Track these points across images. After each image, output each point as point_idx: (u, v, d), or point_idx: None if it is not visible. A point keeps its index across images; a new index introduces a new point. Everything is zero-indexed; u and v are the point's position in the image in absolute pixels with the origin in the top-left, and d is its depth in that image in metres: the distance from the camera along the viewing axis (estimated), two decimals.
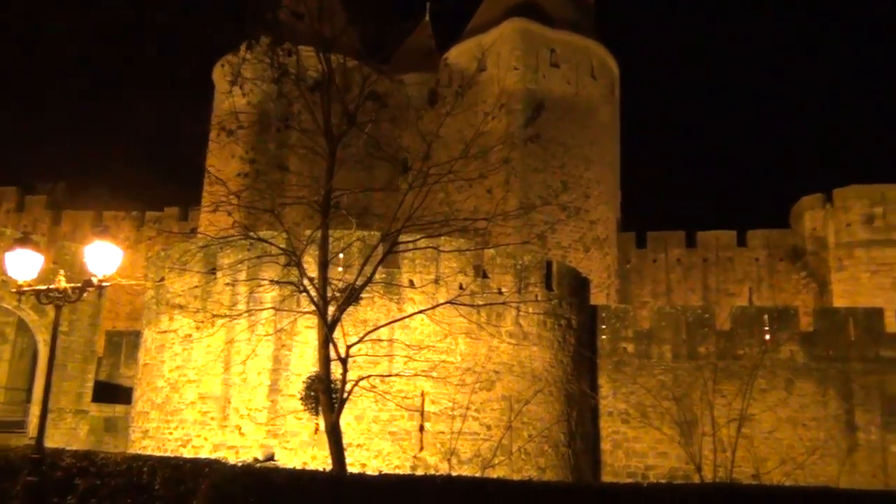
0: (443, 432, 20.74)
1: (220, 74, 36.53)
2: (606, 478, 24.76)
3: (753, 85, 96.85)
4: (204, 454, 19.95)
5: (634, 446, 25.43)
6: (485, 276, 22.71)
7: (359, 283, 13.16)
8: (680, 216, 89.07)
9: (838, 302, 32.89)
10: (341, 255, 19.60)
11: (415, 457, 20.84)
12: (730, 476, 15.18)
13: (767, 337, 25.71)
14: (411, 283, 21.69)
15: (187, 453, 20.40)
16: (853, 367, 25.15)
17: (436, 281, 21.77)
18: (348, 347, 12.51)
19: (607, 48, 38.27)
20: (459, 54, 37.73)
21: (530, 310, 23.03)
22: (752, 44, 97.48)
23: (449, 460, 18.32)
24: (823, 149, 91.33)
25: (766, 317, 26.35)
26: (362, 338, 13.24)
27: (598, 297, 31.51)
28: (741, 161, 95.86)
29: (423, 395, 21.06)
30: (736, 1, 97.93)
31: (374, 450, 20.84)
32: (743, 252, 37.45)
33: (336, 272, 17.83)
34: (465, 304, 18.11)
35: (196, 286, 22.53)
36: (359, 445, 20.70)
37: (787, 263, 36.84)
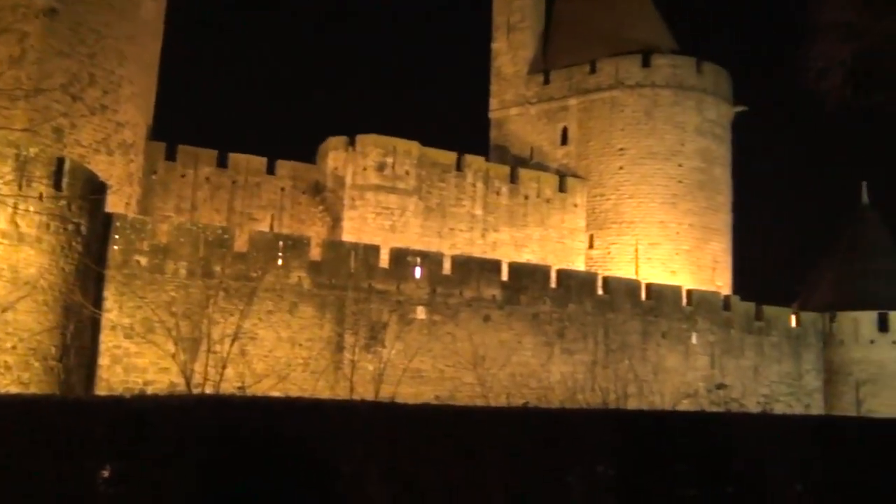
0: None
1: None
2: (101, 392, 23.71)
3: (308, 20, 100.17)
4: None
5: (136, 361, 24.80)
6: None
7: None
8: (214, 134, 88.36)
9: (347, 237, 36.38)
10: None
11: None
12: (217, 389, 15.81)
13: (280, 262, 27.23)
14: None
15: None
16: (349, 296, 28.16)
17: None
18: None
19: None
20: None
21: (31, 208, 20.52)
22: None
23: None
24: (358, 94, 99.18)
25: (281, 243, 27.87)
26: None
27: (116, 206, 29.57)
28: (282, 91, 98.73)
29: None
30: None
31: None
32: (271, 180, 38.77)
33: None
34: None
35: None
36: None
37: (309, 196, 39.33)
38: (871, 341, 40.31)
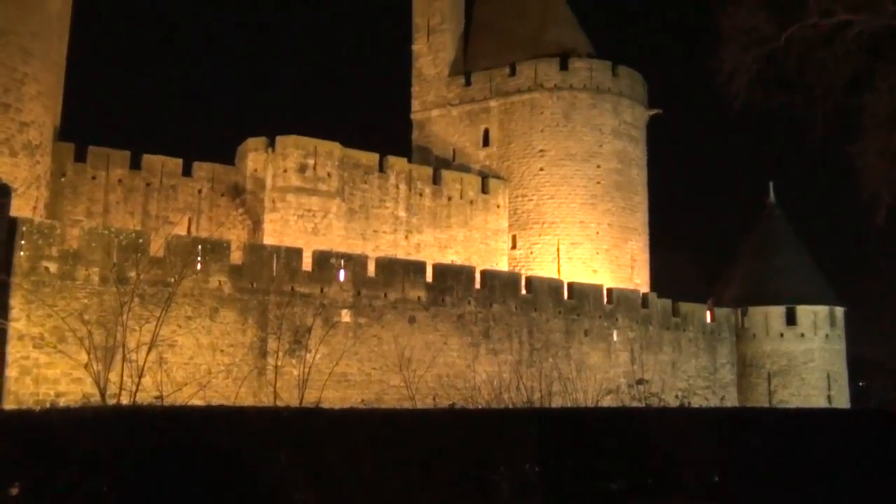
0: None
1: None
2: (9, 406, 22.56)
3: (226, 18, 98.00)
4: None
5: (46, 373, 23.72)
6: None
7: None
8: (126, 135, 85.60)
9: (268, 240, 35.69)
10: None
11: None
12: (134, 399, 15.24)
13: (199, 267, 26.48)
14: None
15: None
16: (272, 300, 27.62)
17: None
18: None
19: None
20: None
21: None
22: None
23: None
24: (278, 95, 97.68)
25: (199, 247, 27.10)
26: None
27: (22, 210, 28.19)
28: (198, 90, 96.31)
29: None
30: None
31: None
32: (187, 182, 37.64)
33: None
34: None
35: None
36: None
37: (227, 199, 38.40)
38: (781, 334, 42.17)
